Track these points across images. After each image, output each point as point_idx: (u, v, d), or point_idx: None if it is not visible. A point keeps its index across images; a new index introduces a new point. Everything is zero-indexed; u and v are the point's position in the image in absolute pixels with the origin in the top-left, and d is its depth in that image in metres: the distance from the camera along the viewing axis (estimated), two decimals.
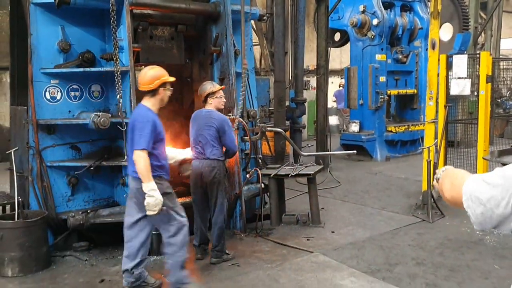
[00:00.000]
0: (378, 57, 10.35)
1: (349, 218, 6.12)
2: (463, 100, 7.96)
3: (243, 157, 5.48)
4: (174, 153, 4.51)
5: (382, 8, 10.29)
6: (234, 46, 5.37)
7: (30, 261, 4.39)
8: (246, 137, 5.30)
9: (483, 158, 6.27)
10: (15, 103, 5.40)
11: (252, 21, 7.36)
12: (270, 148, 7.36)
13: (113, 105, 5.02)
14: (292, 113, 8.70)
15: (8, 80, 6.90)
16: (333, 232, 5.51)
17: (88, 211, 4.79)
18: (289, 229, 5.61)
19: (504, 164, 5.92)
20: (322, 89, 9.17)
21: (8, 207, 5.06)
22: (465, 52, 9.85)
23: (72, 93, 4.93)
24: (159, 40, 5.25)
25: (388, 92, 10.59)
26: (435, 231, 5.46)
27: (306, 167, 5.99)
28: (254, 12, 5.85)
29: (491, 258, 4.57)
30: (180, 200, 5.41)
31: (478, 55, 6.72)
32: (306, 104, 9.37)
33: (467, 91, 6.54)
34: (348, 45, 11.25)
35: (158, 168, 3.74)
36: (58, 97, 4.85)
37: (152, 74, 3.77)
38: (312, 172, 5.72)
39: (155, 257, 4.75)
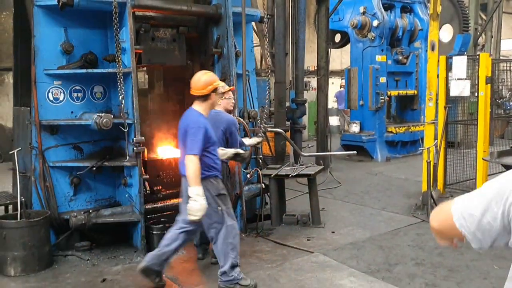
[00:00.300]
0: (379, 58, 10.39)
1: (349, 218, 6.15)
2: (463, 101, 7.99)
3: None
4: (224, 149, 4.63)
5: (382, 10, 10.33)
6: (235, 48, 5.40)
7: (32, 261, 4.42)
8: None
9: (482, 159, 6.30)
10: (18, 104, 5.44)
11: (253, 23, 7.40)
12: (270, 148, 7.39)
13: (115, 106, 5.06)
14: (292, 113, 8.73)
15: (11, 81, 6.93)
16: (333, 232, 5.54)
17: (90, 211, 4.83)
18: (289, 229, 5.64)
19: (503, 165, 5.96)
20: (322, 90, 9.21)
21: (11, 206, 5.11)
22: (465, 53, 9.89)
23: (75, 94, 4.97)
24: (161, 42, 5.28)
25: (389, 93, 10.63)
26: None
27: (306, 167, 6.02)
28: (255, 14, 5.89)
29: (490, 259, 4.60)
30: (180, 200, 5.47)
31: (478, 56, 6.75)
32: (306, 104, 9.40)
33: (466, 92, 6.58)
34: (348, 46, 11.29)
35: (214, 169, 3.90)
36: (61, 98, 4.89)
37: (205, 80, 3.89)
38: (313, 173, 5.75)
39: None
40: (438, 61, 6.61)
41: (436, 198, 6.14)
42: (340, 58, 16.70)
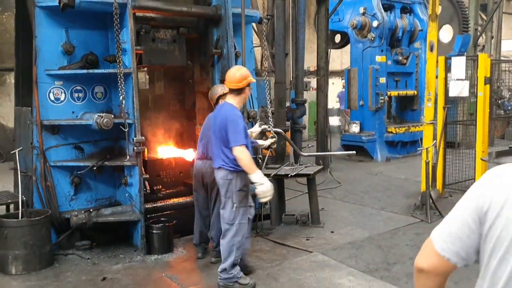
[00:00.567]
0: (378, 58, 10.42)
1: (348, 218, 6.18)
2: (463, 101, 8.01)
3: None
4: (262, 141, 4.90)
5: (382, 10, 10.35)
6: (235, 48, 5.43)
7: (33, 259, 4.46)
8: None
9: (481, 159, 6.33)
10: (20, 104, 5.47)
11: (254, 23, 7.43)
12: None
13: (116, 106, 5.10)
14: (292, 113, 8.76)
15: (12, 81, 6.98)
16: (332, 232, 5.57)
17: (91, 210, 4.86)
18: (289, 229, 5.67)
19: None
20: (322, 90, 9.24)
21: (12, 206, 5.14)
22: (464, 54, 9.91)
23: (76, 94, 5.00)
24: (161, 43, 5.31)
25: (388, 93, 10.66)
26: None
27: (306, 167, 6.04)
28: (255, 15, 5.92)
29: None
30: (181, 199, 5.52)
31: (477, 57, 6.78)
32: (306, 105, 9.43)
33: (465, 93, 6.61)
34: (349, 46, 11.32)
35: None
36: (62, 98, 4.93)
37: (241, 74, 4.03)
38: (312, 172, 5.77)
39: (156, 256, 4.82)
40: (437, 61, 6.63)
41: (435, 198, 6.17)
42: (340, 59, 16.73)
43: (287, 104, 8.73)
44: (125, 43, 4.77)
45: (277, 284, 4.19)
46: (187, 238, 5.18)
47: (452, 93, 6.67)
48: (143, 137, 4.81)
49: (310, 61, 12.96)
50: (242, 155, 3.81)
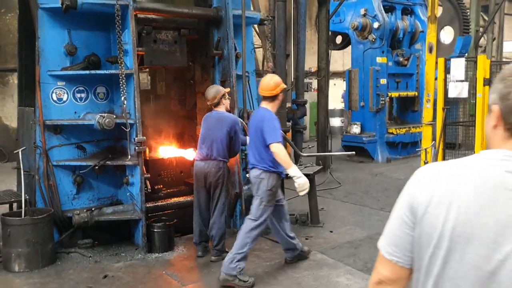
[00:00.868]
0: (379, 59, 10.46)
1: (348, 218, 6.23)
2: (464, 102, 8.03)
3: (244, 157, 5.59)
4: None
5: (383, 12, 10.40)
6: (236, 50, 5.49)
7: (36, 257, 4.52)
8: None
9: None
10: (23, 104, 5.54)
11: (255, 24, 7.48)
12: None
13: (118, 106, 5.16)
14: (293, 114, 8.80)
15: (16, 82, 7.05)
16: (331, 231, 5.62)
17: (93, 209, 4.92)
18: None
19: None
20: (323, 91, 9.29)
21: (15, 204, 5.20)
22: (465, 55, 9.94)
23: (78, 95, 5.06)
24: (163, 44, 5.36)
25: (389, 94, 10.70)
26: None
27: (305, 167, 6.09)
28: (255, 17, 5.98)
29: None
30: (181, 198, 5.58)
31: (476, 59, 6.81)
32: (307, 105, 9.47)
33: (464, 94, 6.64)
34: (350, 47, 11.36)
35: (281, 166, 4.17)
36: (65, 99, 4.99)
37: (276, 81, 4.27)
38: (311, 173, 5.81)
39: (157, 254, 4.88)
40: (437, 63, 6.67)
41: None
42: (342, 60, 16.76)
43: (288, 104, 8.77)
44: (127, 44, 4.83)
45: (276, 282, 4.25)
46: (188, 237, 5.23)
47: (451, 94, 6.70)
48: (144, 137, 4.87)
49: (311, 62, 13.00)
50: (279, 150, 4.04)
